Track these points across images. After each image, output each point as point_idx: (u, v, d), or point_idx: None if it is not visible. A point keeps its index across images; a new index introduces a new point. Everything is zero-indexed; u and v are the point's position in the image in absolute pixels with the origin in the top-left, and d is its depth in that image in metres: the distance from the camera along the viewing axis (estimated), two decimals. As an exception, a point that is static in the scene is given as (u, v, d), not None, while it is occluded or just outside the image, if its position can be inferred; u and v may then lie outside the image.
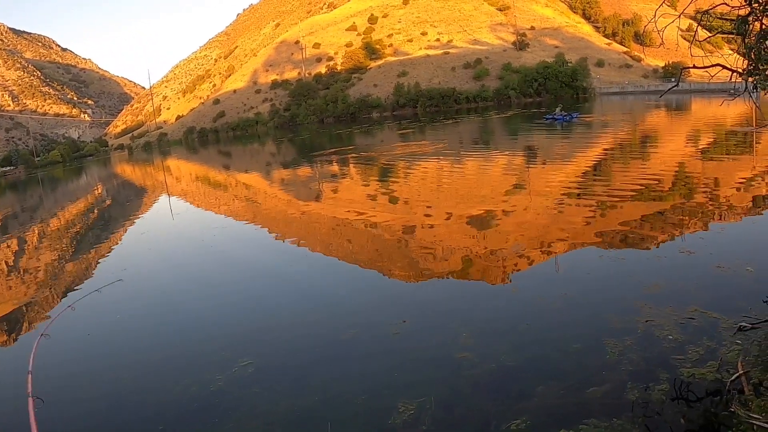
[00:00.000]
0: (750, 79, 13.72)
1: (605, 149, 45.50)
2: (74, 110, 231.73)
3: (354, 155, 69.38)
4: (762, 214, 22.69)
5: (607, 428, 9.98)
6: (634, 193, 27.34)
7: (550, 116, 72.87)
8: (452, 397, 11.98)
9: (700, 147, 41.45)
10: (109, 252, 35.06)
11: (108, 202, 69.27)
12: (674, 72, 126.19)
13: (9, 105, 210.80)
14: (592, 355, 12.53)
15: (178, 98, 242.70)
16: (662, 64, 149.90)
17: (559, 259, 20.12)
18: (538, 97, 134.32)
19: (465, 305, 17.37)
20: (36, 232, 49.65)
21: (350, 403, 12.45)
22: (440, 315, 16.79)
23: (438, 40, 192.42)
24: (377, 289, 20.34)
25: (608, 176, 33.86)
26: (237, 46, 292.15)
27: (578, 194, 29.34)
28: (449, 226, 27.19)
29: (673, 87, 17.94)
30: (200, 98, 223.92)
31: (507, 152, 51.29)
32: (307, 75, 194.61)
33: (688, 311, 13.74)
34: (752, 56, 13.22)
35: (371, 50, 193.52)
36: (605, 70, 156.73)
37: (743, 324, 12.37)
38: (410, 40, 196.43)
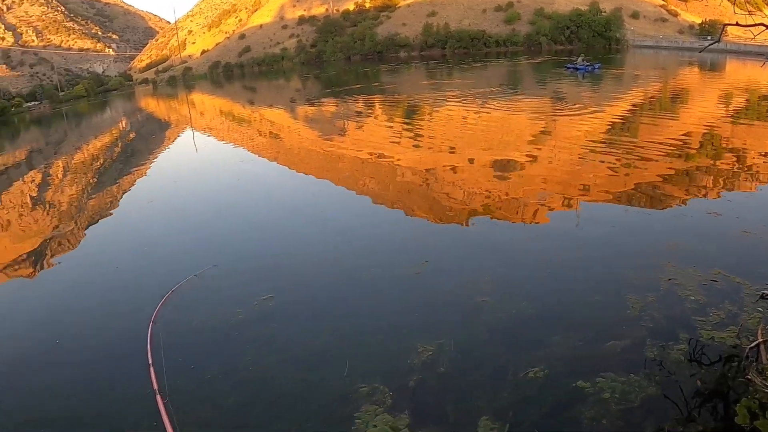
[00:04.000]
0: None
1: (634, 103, 44.59)
2: (98, 45, 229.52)
3: (380, 94, 68.55)
4: (792, 182, 22.24)
5: (624, 383, 9.98)
6: (661, 151, 26.85)
7: (572, 65, 71.30)
8: (470, 342, 12.01)
9: (732, 109, 40.52)
10: (134, 185, 35.21)
11: (132, 135, 69.18)
12: (711, 30, 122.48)
13: (33, 41, 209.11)
14: (613, 309, 12.49)
15: (204, 33, 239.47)
16: (699, 21, 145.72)
17: (583, 210, 19.90)
18: (570, 45, 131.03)
19: (486, 250, 17.29)
20: (61, 165, 49.82)
21: (369, 342, 12.52)
22: (461, 258, 16.75)
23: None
24: (399, 229, 20.29)
25: (635, 131, 33.22)
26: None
27: (604, 147, 28.83)
28: (472, 170, 26.96)
29: (712, 44, 17.36)
30: (226, 33, 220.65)
31: (534, 99, 50.32)
32: (335, 11, 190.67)
33: (711, 273, 13.60)
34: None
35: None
36: (640, 22, 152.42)
37: (766, 292, 12.24)
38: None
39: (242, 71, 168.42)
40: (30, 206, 33.69)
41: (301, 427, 10.20)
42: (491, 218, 20.27)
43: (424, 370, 11.14)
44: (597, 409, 9.49)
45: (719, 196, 20.26)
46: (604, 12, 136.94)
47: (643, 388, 9.84)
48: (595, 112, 39.81)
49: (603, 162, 25.71)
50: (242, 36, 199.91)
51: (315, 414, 10.51)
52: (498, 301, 13.44)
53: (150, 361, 11.94)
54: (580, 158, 26.84)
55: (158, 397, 9.34)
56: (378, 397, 10.57)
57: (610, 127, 34.89)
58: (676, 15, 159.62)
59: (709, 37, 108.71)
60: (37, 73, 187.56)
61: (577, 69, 68.88)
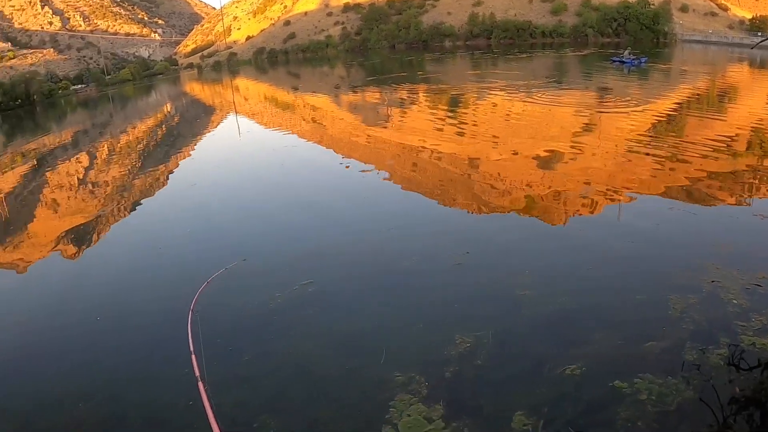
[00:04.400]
0: None
1: (680, 100, 43.64)
2: (144, 30, 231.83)
3: (424, 83, 68.23)
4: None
5: (662, 385, 9.81)
6: (707, 149, 26.17)
7: (618, 58, 69.91)
8: (508, 335, 11.93)
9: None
10: (177, 167, 35.66)
11: (177, 119, 69.89)
12: (762, 26, 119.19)
13: (80, 25, 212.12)
14: (654, 308, 12.26)
15: (249, 19, 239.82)
16: (749, 16, 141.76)
17: (626, 206, 19.56)
18: (617, 37, 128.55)
19: (527, 243, 17.14)
20: (106, 147, 50.62)
21: (407, 332, 12.50)
22: (502, 250, 16.62)
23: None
24: (440, 218, 20.22)
25: (681, 128, 32.49)
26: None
27: (649, 142, 28.26)
28: (515, 162, 26.71)
29: (764, 41, 16.84)
30: (271, 19, 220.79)
31: (580, 92, 49.55)
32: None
33: (756, 277, 13.25)
34: None
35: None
36: (689, 16, 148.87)
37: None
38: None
39: (287, 58, 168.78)
40: (76, 186, 34.32)
41: (336, 413, 10.25)
42: (533, 210, 20.07)
43: (461, 362, 11.10)
44: (633, 411, 9.35)
45: (767, 198, 19.78)
46: (653, 5, 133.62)
47: (681, 391, 9.66)
48: (640, 107, 39.05)
49: (648, 158, 25.21)
50: (287, 23, 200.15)
51: (350, 400, 10.56)
52: (538, 295, 13.32)
53: (191, 347, 12.08)
54: (624, 153, 26.38)
55: (200, 384, 9.43)
56: (413, 386, 10.56)
57: (655, 122, 34.18)
58: (726, 9, 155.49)
59: (759, 34, 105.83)
60: (84, 57, 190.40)
61: (623, 62, 67.59)
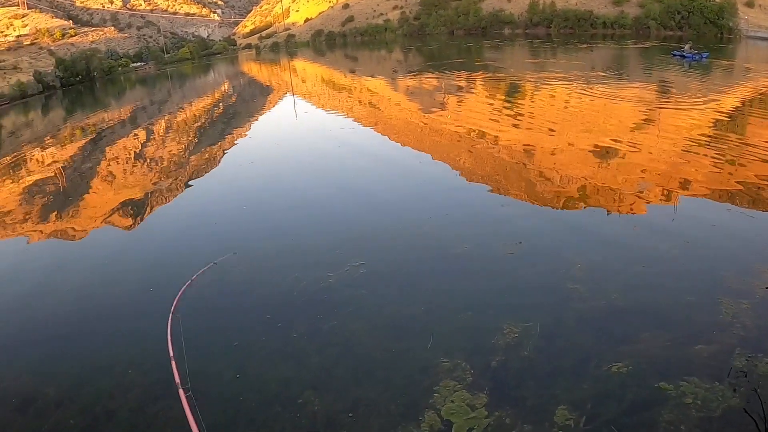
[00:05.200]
0: None
1: (743, 99, 42.17)
2: (204, 10, 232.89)
3: (482, 70, 67.36)
4: None
5: (707, 390, 9.62)
6: (769, 152, 25.32)
7: (679, 52, 67.60)
8: (557, 328, 11.85)
9: None
10: (234, 144, 36.12)
11: (234, 98, 70.59)
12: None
13: (140, 4, 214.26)
14: (705, 311, 12.01)
15: (308, 1, 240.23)
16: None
17: (682, 205, 19.05)
18: (680, 31, 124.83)
19: (580, 236, 16.94)
20: (163, 123, 51.50)
21: (455, 318, 12.52)
22: (555, 242, 16.46)
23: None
24: (493, 207, 20.12)
25: (743, 128, 31.37)
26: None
27: (708, 141, 27.37)
28: (571, 154, 26.29)
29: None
30: (330, 2, 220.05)
31: (639, 86, 48.23)
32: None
33: (812, 286, 12.83)
34: None
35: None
36: (755, 11, 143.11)
37: None
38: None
39: (344, 40, 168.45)
40: (133, 161, 35.09)
41: (380, 395, 10.35)
42: (587, 204, 19.78)
43: (508, 352, 11.08)
44: (676, 414, 9.22)
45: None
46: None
47: (726, 398, 9.46)
48: (701, 104, 37.89)
49: (707, 157, 24.43)
50: (346, 6, 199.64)
51: (395, 383, 10.65)
52: (589, 290, 13.18)
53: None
54: (682, 151, 25.65)
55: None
56: (459, 373, 10.60)
57: (716, 121, 33.10)
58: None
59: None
60: (144, 35, 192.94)
61: (684, 57, 65.53)
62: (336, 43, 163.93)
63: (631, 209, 19.04)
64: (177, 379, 9.68)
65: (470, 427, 9.35)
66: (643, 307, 12.48)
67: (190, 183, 27.74)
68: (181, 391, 9.15)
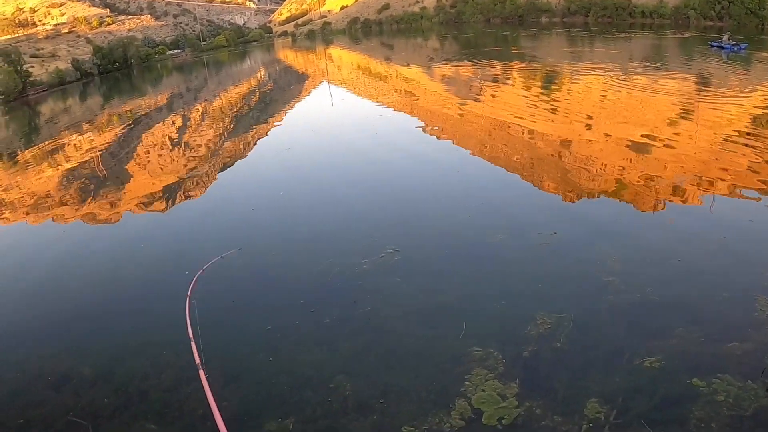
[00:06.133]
0: None
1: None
2: None
3: (518, 59, 66.54)
4: None
5: (740, 389, 9.39)
6: (811, 146, 24.57)
7: (717, 43, 65.62)
8: (590, 320, 11.69)
9: None
10: (271, 131, 36.27)
11: (270, 85, 70.73)
12: None
13: None
14: (740, 308, 11.69)
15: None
16: None
17: (720, 200, 18.51)
18: (720, 21, 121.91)
19: (616, 228, 16.66)
20: (200, 110, 51.85)
21: (488, 307, 12.44)
22: (590, 234, 16.22)
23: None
24: (529, 196, 19.94)
25: (784, 121, 30.64)
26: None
27: (747, 135, 26.64)
28: (607, 145, 25.88)
29: None
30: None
31: (678, 77, 47.24)
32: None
33: None
34: None
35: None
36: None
37: None
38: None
39: (380, 28, 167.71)
40: (170, 147, 35.43)
41: (411, 382, 10.34)
42: (623, 196, 19.43)
43: (540, 342, 10.98)
44: (707, 411, 9.03)
45: None
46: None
47: (759, 397, 9.22)
48: (741, 97, 36.96)
49: (745, 152, 23.78)
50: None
51: (426, 370, 10.63)
52: (623, 282, 12.96)
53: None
54: (721, 144, 25.02)
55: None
56: (490, 362, 10.54)
57: (756, 115, 32.29)
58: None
59: None
60: (180, 23, 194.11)
61: (722, 48, 63.70)
62: (372, 30, 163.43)
63: (669, 201, 18.65)
64: (197, 360, 9.63)
65: (500, 417, 9.30)
66: (678, 301, 12.22)
67: (225, 168, 27.96)
68: (201, 372, 9.19)
